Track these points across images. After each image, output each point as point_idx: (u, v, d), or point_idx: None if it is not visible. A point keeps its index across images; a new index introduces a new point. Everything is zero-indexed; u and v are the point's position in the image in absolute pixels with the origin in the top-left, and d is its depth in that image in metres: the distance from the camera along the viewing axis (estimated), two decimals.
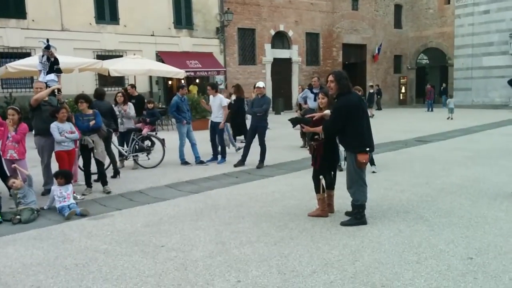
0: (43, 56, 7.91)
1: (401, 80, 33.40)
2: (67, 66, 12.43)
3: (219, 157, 9.79)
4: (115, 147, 8.81)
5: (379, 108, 26.89)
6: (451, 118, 19.55)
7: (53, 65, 7.89)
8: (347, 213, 5.45)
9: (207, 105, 9.84)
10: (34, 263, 4.24)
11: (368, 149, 5.08)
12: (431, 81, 32.10)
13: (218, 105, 9.65)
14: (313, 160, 5.51)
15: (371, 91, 23.86)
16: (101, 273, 3.98)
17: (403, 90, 33.63)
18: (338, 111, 5.08)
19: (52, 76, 7.67)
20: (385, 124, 17.78)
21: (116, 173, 8.32)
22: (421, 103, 30.84)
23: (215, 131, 9.74)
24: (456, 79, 30.08)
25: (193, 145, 9.58)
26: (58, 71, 7.98)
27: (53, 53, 7.89)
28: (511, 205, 5.83)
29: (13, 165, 6.30)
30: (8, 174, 6.62)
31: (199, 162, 9.47)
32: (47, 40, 8.12)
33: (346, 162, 5.44)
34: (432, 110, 25.32)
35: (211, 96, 9.92)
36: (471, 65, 29.17)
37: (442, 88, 29.65)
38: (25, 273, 4.02)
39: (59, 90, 7.37)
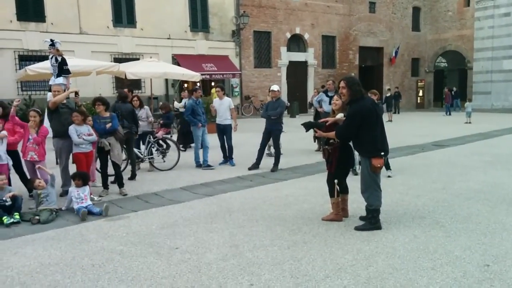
0: (51, 57, 8.03)
1: (419, 84, 33.06)
2: (84, 69, 12.67)
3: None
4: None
5: (396, 112, 26.61)
6: (469, 122, 19.27)
7: (62, 66, 7.98)
8: (361, 218, 5.42)
9: (213, 108, 9.85)
10: (51, 263, 4.31)
11: (382, 153, 5.03)
12: (449, 84, 31.71)
13: (226, 107, 9.70)
14: (328, 164, 5.50)
15: (388, 94, 23.47)
16: (116, 273, 4.03)
17: (420, 94, 33.29)
18: (352, 117, 5.05)
19: (61, 79, 7.78)
20: (402, 128, 17.62)
21: (133, 176, 8.41)
22: (439, 107, 30.50)
23: (224, 133, 9.78)
24: (476, 82, 29.64)
25: (206, 148, 9.57)
26: (67, 72, 8.07)
27: (59, 50, 7.99)
28: None
29: (37, 165, 6.44)
30: (28, 175, 6.76)
31: (207, 166, 9.45)
32: (51, 40, 8.24)
33: (360, 166, 5.41)
34: (450, 114, 24.99)
35: (216, 99, 9.98)
36: (491, 68, 28.72)
37: (454, 91, 29.17)
38: (43, 272, 4.10)
39: (76, 93, 7.50)
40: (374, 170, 5.03)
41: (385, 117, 9.55)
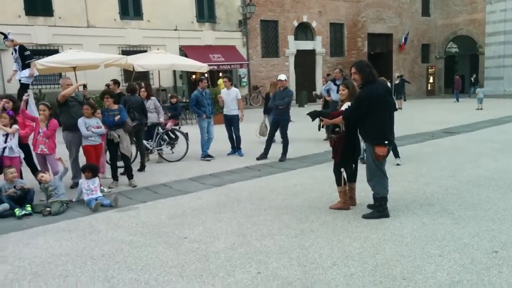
0: (12, 53, 7.96)
1: (429, 70, 32.62)
2: (92, 62, 12.71)
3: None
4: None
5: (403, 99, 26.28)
6: (481, 109, 19.05)
7: (23, 54, 7.87)
8: (369, 206, 5.42)
9: (221, 98, 9.84)
10: (63, 253, 4.39)
11: (386, 142, 4.99)
12: (460, 70, 31.32)
13: (233, 98, 9.69)
14: (334, 152, 5.49)
15: (397, 82, 22.91)
16: (126, 263, 4.10)
17: (431, 80, 32.86)
18: (360, 100, 5.02)
19: (25, 72, 7.63)
20: (411, 115, 17.47)
21: (142, 167, 8.48)
22: (449, 94, 30.09)
23: (231, 124, 9.79)
24: (487, 67, 29.18)
25: (209, 140, 9.58)
26: (30, 58, 7.95)
27: (13, 40, 7.93)
28: None
29: (57, 157, 6.51)
30: (39, 168, 6.85)
31: (206, 155, 9.45)
32: (2, 34, 8.16)
33: (365, 154, 5.39)
34: (458, 101, 24.66)
35: (224, 90, 9.97)
36: (503, 53, 28.22)
37: (473, 78, 28.73)
38: (54, 263, 4.18)
39: (85, 86, 7.55)
40: (377, 158, 5.01)
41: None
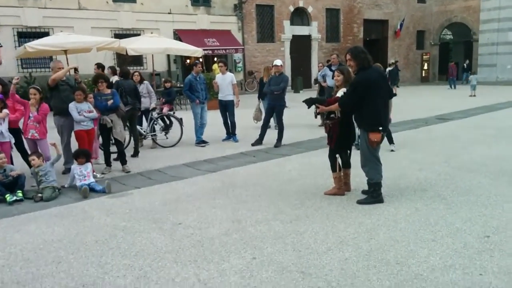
0: None
1: (424, 57, 32.61)
2: (84, 45, 12.52)
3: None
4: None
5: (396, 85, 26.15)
6: (474, 95, 19.10)
7: None
8: (363, 192, 5.43)
9: (215, 84, 9.76)
10: (55, 240, 4.36)
11: (381, 128, 4.98)
12: (455, 57, 31.31)
13: (228, 83, 9.61)
14: (329, 139, 5.48)
15: (391, 68, 22.21)
16: (120, 249, 4.08)
17: (425, 67, 32.87)
18: (355, 85, 4.99)
19: None
20: (406, 101, 17.47)
21: (136, 153, 8.43)
22: (444, 80, 30.12)
23: (226, 109, 9.73)
24: (481, 54, 29.21)
25: (203, 125, 9.52)
26: None
27: None
28: None
29: (52, 142, 6.43)
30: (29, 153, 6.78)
31: (200, 141, 9.41)
32: None
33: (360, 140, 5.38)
34: (454, 88, 24.68)
35: (219, 75, 9.88)
36: (497, 40, 28.23)
37: (465, 64, 28.78)
38: (47, 249, 4.15)
39: (76, 69, 7.45)
40: (371, 144, 5.01)
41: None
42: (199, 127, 9.47)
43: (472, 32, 30.41)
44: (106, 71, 9.80)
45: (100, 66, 9.71)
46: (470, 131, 10.11)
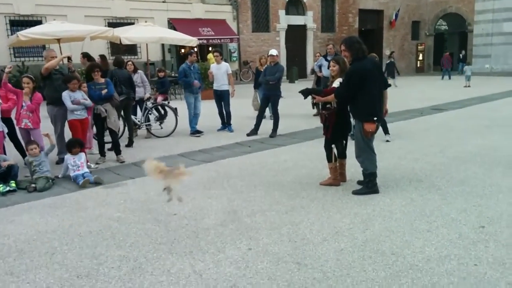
0: None
1: (419, 47, 32.52)
2: (78, 34, 12.35)
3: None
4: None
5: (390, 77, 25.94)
6: (469, 86, 19.12)
7: None
8: (359, 182, 5.42)
9: (211, 73, 9.70)
10: (49, 231, 4.33)
11: (375, 118, 4.96)
12: (449, 47, 31.25)
13: (223, 72, 9.55)
14: (325, 129, 5.46)
15: (388, 61, 21.28)
16: (114, 240, 4.05)
17: (420, 58, 32.81)
18: (350, 76, 4.97)
19: None
20: (401, 92, 17.46)
21: (130, 143, 8.38)
22: (438, 71, 30.06)
23: (221, 99, 9.67)
24: (476, 45, 29.18)
25: (196, 115, 9.47)
26: None
27: None
28: None
29: (45, 133, 6.35)
30: (23, 143, 6.71)
31: (194, 131, 9.37)
32: None
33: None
34: (450, 78, 24.65)
35: (214, 64, 9.81)
36: (491, 31, 28.20)
37: (461, 55, 28.76)
38: (40, 240, 4.12)
39: (69, 58, 7.36)
40: (366, 135, 5.00)
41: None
42: (193, 117, 9.41)
43: (467, 22, 30.35)
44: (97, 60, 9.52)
45: (86, 55, 9.43)
46: (464, 122, 10.13)
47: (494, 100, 14.28)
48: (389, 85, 5.39)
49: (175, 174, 4.16)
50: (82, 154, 6.28)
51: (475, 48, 29.18)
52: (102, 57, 9.62)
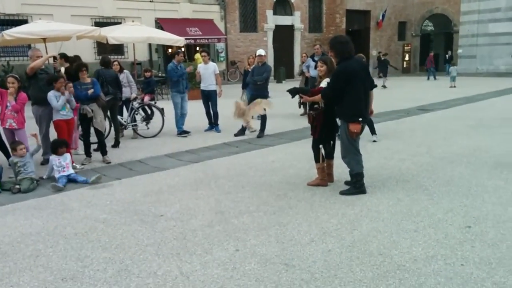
0: None
1: (405, 48, 32.83)
2: (64, 33, 12.19)
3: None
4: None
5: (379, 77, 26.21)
6: (454, 86, 19.32)
7: None
8: (346, 183, 5.43)
9: (198, 74, 9.67)
10: (33, 232, 4.26)
11: (360, 119, 4.98)
12: (435, 48, 31.56)
13: (211, 72, 9.52)
14: (313, 129, 5.46)
15: (383, 58, 22.03)
16: (100, 242, 4.00)
17: (406, 58, 33.11)
18: (336, 76, 4.98)
19: None
20: (387, 92, 17.61)
21: (117, 143, 8.30)
22: (424, 72, 30.32)
23: (209, 99, 9.64)
24: (461, 46, 29.53)
25: (183, 115, 9.43)
26: None
27: None
28: (511, 174, 5.81)
29: (32, 133, 6.25)
30: (7, 144, 6.60)
31: (181, 131, 9.32)
32: None
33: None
34: (435, 79, 24.90)
35: (201, 64, 9.79)
36: (477, 32, 28.56)
37: (448, 56, 29.10)
38: (24, 242, 4.05)
39: (55, 58, 7.25)
40: (351, 135, 5.01)
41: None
42: (180, 117, 9.37)
43: (452, 23, 30.71)
44: (57, 60, 8.67)
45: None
46: (450, 122, 10.23)
47: (479, 101, 14.45)
48: (375, 86, 5.41)
49: (255, 106, 5.75)
50: (68, 155, 6.19)
51: (461, 49, 29.54)
52: (63, 55, 9.06)
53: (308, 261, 3.53)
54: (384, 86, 19.41)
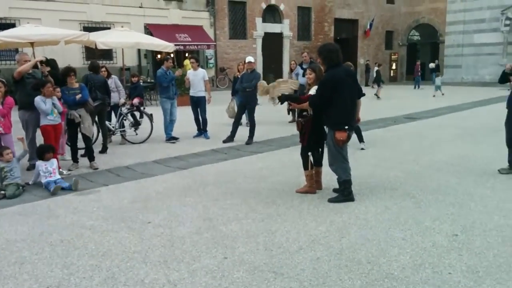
0: None
1: (392, 57, 33.26)
2: (52, 38, 12.12)
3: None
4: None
5: (367, 85, 26.59)
6: (442, 94, 19.59)
7: None
8: (335, 190, 5.45)
9: (187, 80, 9.67)
10: (18, 239, 4.19)
11: (346, 127, 5.01)
12: (422, 57, 31.98)
13: (200, 79, 9.52)
14: (301, 136, 5.48)
15: (377, 68, 22.23)
16: (86, 249, 3.95)
17: (394, 67, 33.52)
18: (323, 84, 5.01)
19: None
20: (374, 100, 17.76)
21: (104, 149, 8.23)
22: (411, 80, 30.75)
23: (198, 106, 9.63)
24: (447, 56, 30.01)
25: (172, 122, 9.39)
26: None
27: None
28: (497, 183, 5.89)
29: (19, 137, 6.16)
30: None
31: (170, 138, 9.28)
32: None
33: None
34: (418, 88, 25.18)
35: (190, 71, 9.79)
36: (462, 42, 29.07)
37: (434, 65, 29.53)
38: (9, 249, 3.98)
39: (42, 62, 7.18)
40: (338, 143, 5.03)
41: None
42: (169, 123, 9.33)
43: (438, 33, 31.22)
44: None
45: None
46: (437, 130, 10.36)
47: (465, 110, 14.66)
48: (364, 94, 5.45)
49: (281, 84, 6.27)
50: (54, 160, 6.12)
51: (447, 59, 30.05)
52: (96, 63, 8.77)
53: (296, 269, 3.52)
54: (377, 96, 19.31)
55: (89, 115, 7.04)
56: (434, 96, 19.56)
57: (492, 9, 27.36)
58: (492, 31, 27.59)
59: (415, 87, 25.40)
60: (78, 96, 6.83)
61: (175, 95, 9.48)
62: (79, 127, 6.93)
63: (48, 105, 6.39)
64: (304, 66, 10.44)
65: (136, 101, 9.37)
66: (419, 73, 26.31)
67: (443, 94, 19.63)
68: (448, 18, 29.57)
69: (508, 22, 26.53)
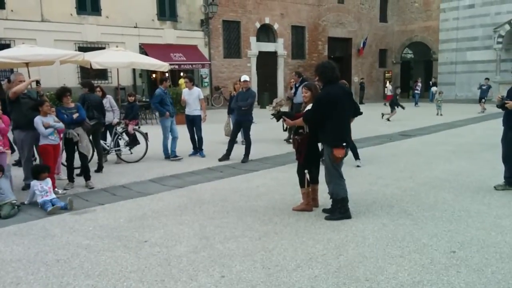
0: None
1: (386, 75, 33.56)
2: (47, 58, 12.19)
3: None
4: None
5: (361, 103, 26.80)
6: (440, 115, 19.13)
7: None
8: (324, 210, 5.41)
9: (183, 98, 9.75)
10: (14, 259, 4.14)
11: (344, 144, 5.04)
12: (415, 75, 32.33)
13: (195, 97, 9.57)
14: (298, 154, 5.49)
15: (395, 92, 20.61)
16: (83, 269, 3.91)
17: (387, 85, 33.80)
18: (318, 101, 5.06)
19: None
20: (370, 118, 17.83)
21: (100, 168, 8.21)
22: (405, 98, 31.04)
23: (193, 124, 9.66)
24: (440, 73, 30.38)
25: (174, 139, 9.43)
26: None
27: None
28: (493, 199, 5.91)
29: (6, 148, 6.13)
30: None
31: (174, 156, 9.31)
32: None
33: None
34: (416, 104, 25.41)
35: (186, 89, 9.86)
36: (455, 59, 29.47)
37: (431, 82, 29.90)
38: (5, 269, 3.93)
39: (37, 82, 7.21)
40: (335, 160, 5.05)
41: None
42: (172, 141, 9.36)
43: (432, 51, 31.63)
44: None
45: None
46: (432, 147, 10.41)
47: (459, 127, 14.77)
48: (361, 113, 5.50)
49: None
50: (48, 179, 6.08)
51: (440, 76, 30.42)
52: (91, 82, 8.81)
53: (294, 287, 3.50)
54: (387, 119, 17.16)
55: (86, 133, 7.05)
56: (442, 115, 18.87)
57: (485, 27, 27.83)
58: (485, 48, 28.01)
59: (415, 104, 25.58)
60: (76, 115, 6.84)
61: (174, 113, 9.55)
62: (76, 146, 6.92)
63: (49, 130, 6.39)
64: (297, 85, 10.63)
65: (131, 128, 9.22)
66: (418, 90, 26.70)
67: (441, 115, 19.12)
68: (441, 36, 30.03)
69: (500, 39, 26.95)
